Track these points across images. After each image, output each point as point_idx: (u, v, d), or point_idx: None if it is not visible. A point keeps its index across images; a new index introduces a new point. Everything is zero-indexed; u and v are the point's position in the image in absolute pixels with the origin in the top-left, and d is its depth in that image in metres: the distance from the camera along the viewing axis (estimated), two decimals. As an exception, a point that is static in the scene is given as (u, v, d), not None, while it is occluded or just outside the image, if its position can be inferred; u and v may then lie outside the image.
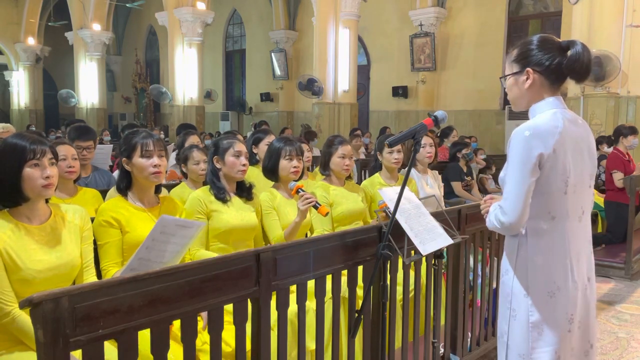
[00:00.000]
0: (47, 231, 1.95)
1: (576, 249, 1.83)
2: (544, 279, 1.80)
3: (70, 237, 2.01)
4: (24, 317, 1.81)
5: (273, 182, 3.07)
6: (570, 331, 1.81)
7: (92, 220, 2.28)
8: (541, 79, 1.81)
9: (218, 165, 2.72)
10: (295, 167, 2.97)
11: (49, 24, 18.66)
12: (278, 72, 15.75)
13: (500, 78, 1.94)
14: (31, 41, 19.20)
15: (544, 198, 1.76)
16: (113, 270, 2.19)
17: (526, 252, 1.82)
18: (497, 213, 1.80)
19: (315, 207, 2.67)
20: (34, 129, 13.53)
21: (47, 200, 2.01)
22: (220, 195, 2.67)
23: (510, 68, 1.87)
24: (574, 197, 1.81)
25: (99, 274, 2.29)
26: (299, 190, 2.74)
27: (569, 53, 1.78)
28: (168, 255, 1.95)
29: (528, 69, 1.80)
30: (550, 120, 1.77)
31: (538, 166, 1.73)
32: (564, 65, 1.78)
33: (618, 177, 5.54)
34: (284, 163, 2.97)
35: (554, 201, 1.78)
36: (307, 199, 2.68)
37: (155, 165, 2.29)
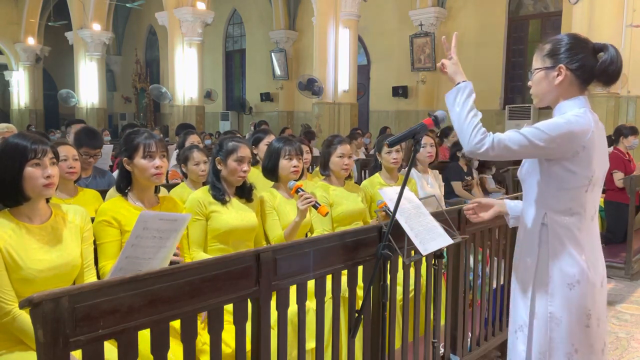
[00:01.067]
0: (47, 231, 1.95)
1: (591, 246, 1.87)
2: (564, 271, 1.82)
3: (71, 237, 2.01)
4: (24, 317, 1.81)
5: (273, 182, 3.06)
6: (589, 327, 1.83)
7: (92, 220, 2.28)
8: (572, 77, 1.82)
9: (219, 167, 2.71)
10: (295, 166, 2.97)
11: (49, 24, 18.66)
12: (278, 72, 15.75)
13: (528, 71, 1.95)
14: (31, 41, 19.20)
15: (568, 194, 1.79)
16: None
17: (547, 246, 1.85)
18: (483, 133, 1.76)
19: (315, 206, 2.67)
20: (34, 129, 13.53)
21: (47, 200, 2.02)
22: (220, 197, 2.66)
23: (541, 62, 1.87)
24: (592, 196, 1.84)
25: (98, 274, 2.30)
26: (299, 189, 2.74)
27: (600, 56, 1.80)
28: (156, 252, 1.90)
29: (561, 65, 1.82)
30: (583, 118, 1.79)
31: (566, 157, 1.76)
32: (596, 68, 1.80)
33: (618, 177, 5.54)
34: (283, 163, 2.97)
35: (575, 198, 1.81)
36: (306, 198, 2.68)
37: (157, 167, 2.28)
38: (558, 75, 1.82)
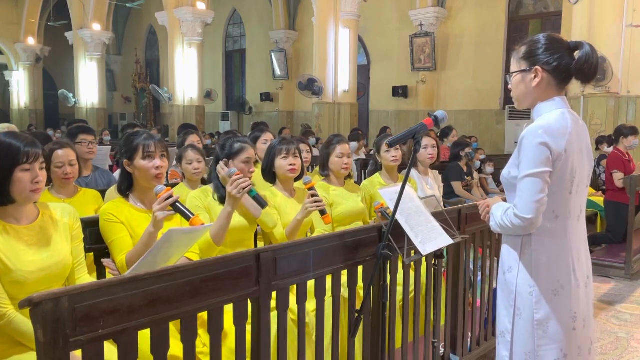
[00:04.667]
0: (36, 231, 1.92)
1: (576, 247, 1.86)
2: (548, 277, 1.81)
3: (60, 236, 1.99)
4: (21, 318, 1.80)
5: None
6: (575, 329, 1.83)
7: (92, 221, 2.28)
8: (549, 78, 1.81)
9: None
10: (291, 164, 2.94)
11: (49, 24, 18.66)
12: (278, 72, 15.75)
13: (506, 75, 1.94)
14: (31, 41, 19.21)
15: (551, 198, 1.77)
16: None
17: (531, 250, 1.83)
18: (509, 213, 1.80)
19: (322, 212, 2.64)
20: (34, 129, 13.53)
21: None
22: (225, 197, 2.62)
23: (517, 65, 1.86)
24: (576, 197, 1.83)
25: (102, 274, 2.29)
26: (313, 188, 2.70)
27: (576, 54, 1.79)
28: (172, 256, 2.03)
29: (537, 67, 1.80)
30: (560, 120, 1.78)
31: (552, 163, 1.74)
32: (572, 66, 1.78)
33: (618, 177, 5.54)
34: (279, 162, 2.95)
35: (559, 200, 1.79)
36: (317, 201, 2.65)
37: (157, 167, 2.27)
38: (535, 77, 1.81)
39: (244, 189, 2.39)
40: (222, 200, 2.60)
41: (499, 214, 1.85)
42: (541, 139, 1.73)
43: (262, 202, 2.48)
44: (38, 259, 1.88)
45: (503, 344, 1.92)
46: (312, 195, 2.66)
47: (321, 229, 3.11)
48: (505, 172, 1.88)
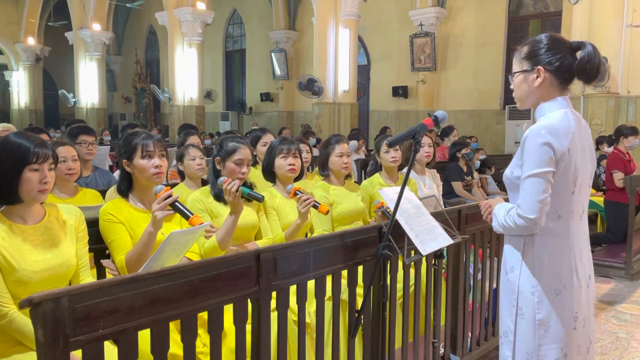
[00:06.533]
0: (41, 231, 1.93)
1: (579, 247, 1.86)
2: (550, 277, 1.81)
3: (66, 237, 1.99)
4: (22, 318, 1.80)
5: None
6: (576, 329, 1.83)
7: (92, 220, 2.28)
8: (551, 78, 1.81)
9: (218, 167, 2.69)
10: (291, 164, 2.95)
11: (49, 24, 18.68)
12: (278, 72, 15.75)
13: (508, 75, 1.94)
14: (31, 41, 19.21)
15: (554, 197, 1.77)
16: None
17: (533, 250, 1.83)
18: (512, 213, 1.80)
19: (315, 206, 2.65)
20: (34, 129, 13.51)
21: None
22: (221, 196, 2.65)
23: (520, 65, 1.87)
24: (579, 197, 1.83)
25: (102, 274, 2.29)
26: (297, 192, 2.72)
27: (579, 54, 1.79)
28: (174, 258, 2.03)
29: (539, 67, 1.81)
30: (563, 120, 1.78)
31: (555, 163, 1.74)
32: (574, 67, 1.79)
33: (618, 177, 5.54)
34: (279, 162, 2.96)
35: (562, 200, 1.80)
36: (305, 200, 2.65)
37: (156, 166, 2.27)
38: (537, 77, 1.81)
39: (235, 192, 2.41)
40: (217, 198, 2.65)
41: (502, 214, 1.85)
42: (544, 139, 1.73)
43: (256, 197, 2.50)
44: (42, 259, 1.88)
45: (506, 344, 1.92)
46: (299, 198, 2.66)
47: (321, 229, 3.11)
48: (507, 172, 1.88)
